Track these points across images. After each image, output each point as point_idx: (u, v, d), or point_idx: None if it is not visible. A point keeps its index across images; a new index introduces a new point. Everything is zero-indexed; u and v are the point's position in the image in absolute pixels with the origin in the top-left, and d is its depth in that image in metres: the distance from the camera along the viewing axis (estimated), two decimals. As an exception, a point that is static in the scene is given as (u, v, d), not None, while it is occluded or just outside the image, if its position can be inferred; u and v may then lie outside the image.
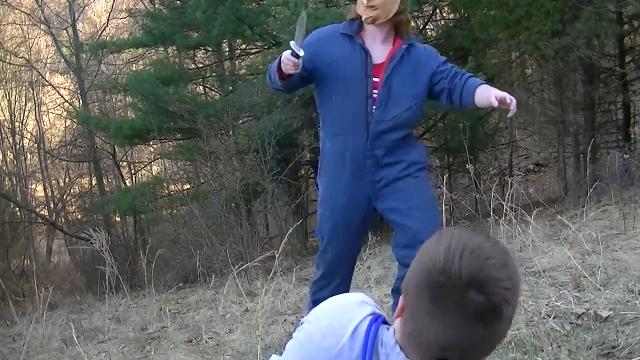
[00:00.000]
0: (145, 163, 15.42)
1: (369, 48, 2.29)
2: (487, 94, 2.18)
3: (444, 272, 0.91)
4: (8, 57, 15.56)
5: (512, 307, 0.92)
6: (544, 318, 2.27)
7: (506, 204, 3.54)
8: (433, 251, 0.94)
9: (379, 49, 2.30)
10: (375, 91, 2.27)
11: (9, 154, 16.07)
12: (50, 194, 17.03)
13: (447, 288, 0.90)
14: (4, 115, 16.39)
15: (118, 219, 11.48)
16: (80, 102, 14.47)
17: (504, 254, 0.93)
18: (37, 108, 17.13)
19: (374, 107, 2.27)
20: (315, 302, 2.44)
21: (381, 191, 2.34)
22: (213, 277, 5.03)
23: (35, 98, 17.11)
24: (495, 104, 2.11)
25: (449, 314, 0.91)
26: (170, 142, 9.95)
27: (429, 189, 2.47)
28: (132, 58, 13.79)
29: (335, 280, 2.52)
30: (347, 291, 2.56)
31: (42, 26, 15.18)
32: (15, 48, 16.20)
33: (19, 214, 13.62)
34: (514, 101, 2.14)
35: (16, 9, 14.98)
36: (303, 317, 3.17)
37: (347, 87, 2.30)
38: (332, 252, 2.45)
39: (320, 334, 1.05)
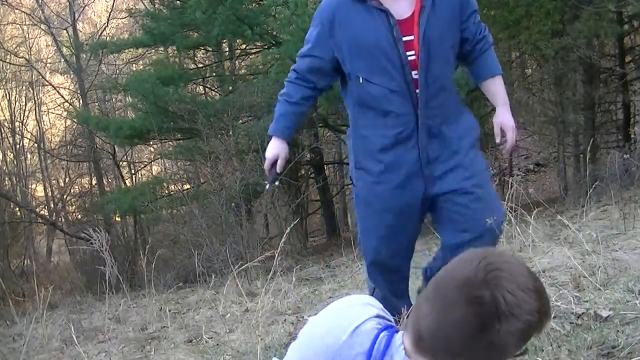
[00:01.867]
0: (145, 163, 15.43)
1: (388, 6, 1.94)
2: (495, 100, 2.09)
3: (469, 261, 0.92)
4: (8, 57, 15.56)
5: (507, 325, 0.87)
6: (544, 318, 2.26)
7: (506, 204, 3.53)
8: (464, 257, 0.96)
9: (402, 2, 1.95)
10: (411, 53, 1.95)
11: (9, 154, 16.07)
12: (50, 194, 17.03)
13: (466, 269, 0.91)
14: (4, 115, 16.40)
15: (118, 219, 11.47)
16: (80, 102, 14.47)
17: (530, 283, 0.91)
18: (37, 108, 17.13)
19: (415, 72, 1.96)
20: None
21: (440, 169, 2.04)
22: (213, 277, 5.03)
23: (35, 98, 17.11)
24: (498, 138, 2.07)
25: (451, 293, 0.91)
26: (170, 142, 9.95)
27: (484, 162, 2.20)
28: (132, 58, 13.78)
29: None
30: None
31: (42, 26, 15.18)
32: (15, 48, 16.20)
33: (19, 214, 13.62)
34: (513, 140, 2.07)
35: (16, 9, 14.98)
36: (304, 316, 3.16)
37: (375, 62, 1.98)
38: (383, 264, 2.19)
39: (320, 334, 1.05)
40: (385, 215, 2.09)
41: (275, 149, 2.16)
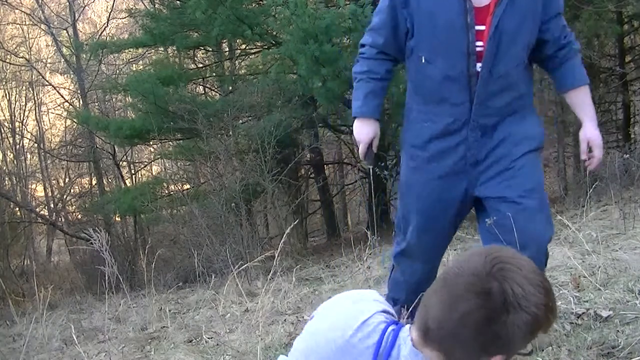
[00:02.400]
0: (145, 163, 15.43)
1: None
2: (581, 114, 1.93)
3: (479, 255, 0.94)
4: (8, 57, 15.55)
5: (514, 316, 0.89)
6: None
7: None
8: (476, 251, 0.99)
9: None
10: (480, 44, 1.83)
11: (9, 154, 16.06)
12: (50, 194, 17.03)
13: (475, 263, 0.93)
14: (4, 115, 16.40)
15: (118, 219, 11.46)
16: (80, 102, 14.46)
17: (542, 283, 0.93)
18: (37, 108, 17.13)
19: (479, 64, 1.85)
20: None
21: (486, 172, 1.93)
22: (213, 277, 5.03)
23: (35, 98, 17.11)
24: (583, 155, 1.94)
25: (459, 283, 0.92)
26: (170, 142, 9.95)
27: (542, 175, 2.05)
28: (132, 58, 13.78)
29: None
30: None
31: (42, 26, 15.18)
32: (15, 48, 16.19)
33: (19, 214, 13.61)
34: (600, 158, 1.91)
35: (16, 9, 14.97)
36: (304, 316, 3.15)
37: (441, 43, 1.87)
38: (415, 254, 2.08)
39: (328, 326, 1.06)
40: (421, 204, 2.01)
41: (371, 130, 2.08)
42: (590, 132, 1.94)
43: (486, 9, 1.81)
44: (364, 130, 2.09)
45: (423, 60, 1.92)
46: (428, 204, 1.99)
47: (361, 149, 2.10)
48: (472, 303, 0.89)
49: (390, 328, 1.01)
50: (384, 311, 1.07)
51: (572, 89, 1.97)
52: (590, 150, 1.95)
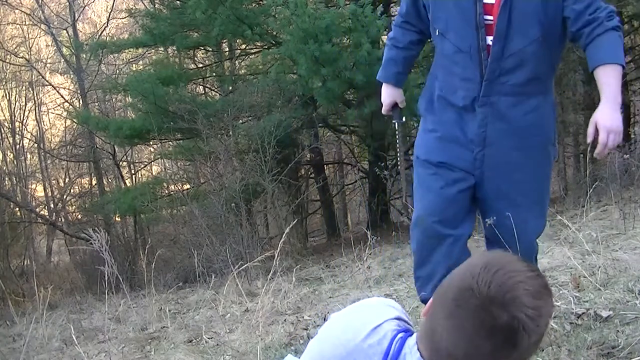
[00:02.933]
0: (145, 163, 15.42)
1: None
2: (600, 94, 1.75)
3: (475, 278, 0.91)
4: (8, 57, 15.55)
5: (530, 341, 0.90)
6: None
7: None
8: (474, 261, 0.96)
9: None
10: (489, 18, 1.81)
11: (9, 154, 16.06)
12: (50, 194, 17.03)
13: (473, 293, 0.90)
14: (4, 115, 16.39)
15: (118, 219, 11.46)
16: (80, 102, 14.46)
17: (541, 287, 0.93)
18: (37, 108, 17.13)
19: (489, 38, 1.81)
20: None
21: (490, 157, 1.88)
22: (213, 277, 5.03)
23: (35, 98, 17.10)
24: (589, 138, 1.75)
25: (466, 320, 0.91)
26: (170, 142, 9.95)
27: (549, 176, 1.99)
28: (132, 58, 13.78)
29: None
30: None
31: (42, 26, 15.18)
32: (15, 48, 16.19)
33: (19, 214, 13.60)
34: (604, 142, 1.70)
35: (16, 9, 14.97)
36: (304, 316, 3.15)
37: (451, 15, 1.87)
38: (426, 221, 1.97)
39: (340, 329, 1.06)
40: (428, 165, 1.99)
41: (390, 96, 2.14)
42: (599, 113, 1.74)
43: None
44: (385, 96, 2.17)
45: (437, 33, 1.94)
46: (434, 163, 1.97)
47: (384, 110, 2.20)
48: (491, 343, 0.89)
49: (399, 336, 1.01)
50: (398, 318, 1.08)
51: (595, 69, 1.77)
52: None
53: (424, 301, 1.98)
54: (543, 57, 1.84)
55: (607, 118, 1.71)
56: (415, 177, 2.06)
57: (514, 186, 1.90)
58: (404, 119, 2.26)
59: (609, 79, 1.74)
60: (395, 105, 2.18)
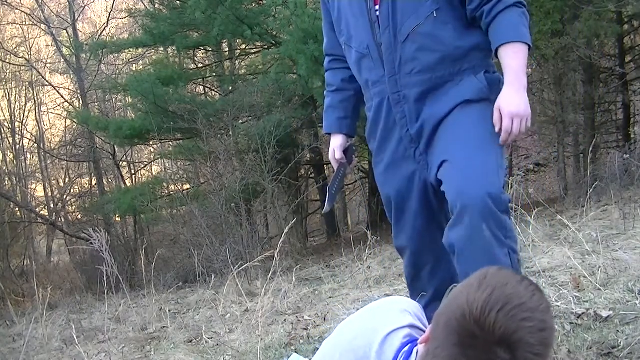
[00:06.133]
0: (145, 163, 15.43)
1: None
2: (503, 72, 1.57)
3: (478, 322, 0.88)
4: (8, 57, 15.55)
5: None
6: (544, 318, 2.26)
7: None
8: (473, 295, 0.91)
9: None
10: (377, 8, 1.65)
11: (9, 154, 16.06)
12: (50, 194, 17.03)
13: (477, 339, 0.88)
14: (4, 115, 16.40)
15: (118, 219, 11.47)
16: (80, 102, 14.46)
17: (544, 314, 0.91)
18: (37, 108, 17.13)
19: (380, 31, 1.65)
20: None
21: (426, 150, 1.68)
22: (213, 277, 5.03)
23: (35, 98, 17.11)
24: (496, 126, 1.57)
25: (471, 354, 0.89)
26: (170, 142, 9.96)
27: (480, 123, 1.61)
28: (132, 58, 13.78)
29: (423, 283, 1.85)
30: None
31: (42, 26, 15.18)
32: (15, 48, 16.20)
33: (19, 214, 13.61)
34: (508, 129, 1.53)
35: (16, 9, 14.98)
36: (304, 316, 3.15)
37: (350, 22, 1.73)
38: (406, 252, 1.84)
39: (354, 333, 1.06)
40: (387, 201, 1.83)
41: (331, 146, 1.90)
42: (502, 98, 1.55)
43: None
44: (330, 148, 1.92)
45: (344, 46, 1.78)
46: (391, 200, 1.81)
47: (334, 165, 1.92)
48: None
49: (405, 349, 1.01)
50: (411, 326, 1.06)
51: (496, 51, 1.58)
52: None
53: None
54: (446, 33, 1.62)
55: (509, 102, 1.54)
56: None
57: (452, 136, 1.64)
58: (352, 165, 1.96)
59: (509, 60, 1.56)
60: (347, 151, 1.91)
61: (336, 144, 1.90)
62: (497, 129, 1.56)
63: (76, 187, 16.74)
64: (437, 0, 1.61)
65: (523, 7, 1.60)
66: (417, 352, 1.00)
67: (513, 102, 1.54)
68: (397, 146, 1.74)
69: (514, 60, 1.56)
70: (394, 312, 1.09)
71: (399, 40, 1.63)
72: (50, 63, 17.01)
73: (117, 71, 14.29)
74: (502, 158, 1.62)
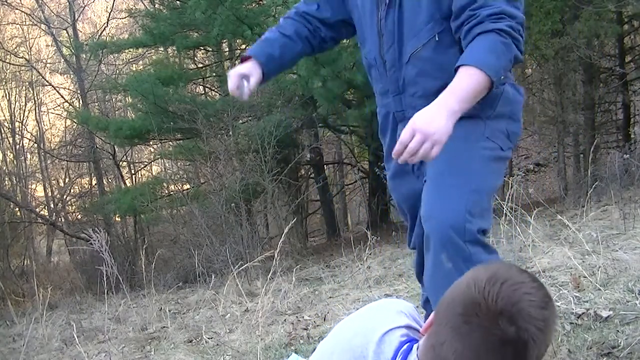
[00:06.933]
0: (145, 163, 15.43)
1: None
2: (446, 89, 1.36)
3: (482, 292, 0.90)
4: (8, 57, 15.56)
5: (540, 352, 0.90)
6: (544, 318, 2.26)
7: (506, 204, 3.53)
8: (477, 274, 0.94)
9: None
10: (384, 18, 1.57)
11: (9, 154, 16.06)
12: (50, 194, 17.03)
13: (480, 308, 0.89)
14: (4, 115, 16.40)
15: (118, 219, 11.47)
16: (80, 102, 14.47)
17: (545, 297, 0.93)
18: (37, 108, 17.13)
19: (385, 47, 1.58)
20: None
21: (420, 166, 1.59)
22: (213, 277, 5.03)
23: (35, 98, 17.11)
24: (404, 138, 1.32)
25: (474, 333, 0.90)
26: (170, 142, 9.96)
27: (458, 141, 1.41)
28: (132, 58, 13.79)
29: None
30: None
31: (42, 26, 15.19)
32: (15, 48, 16.20)
33: (19, 214, 13.61)
34: (404, 141, 1.29)
35: (16, 9, 14.98)
36: (304, 316, 3.15)
37: (361, 27, 1.66)
38: (415, 250, 1.78)
39: (351, 333, 1.07)
40: (397, 204, 1.80)
41: (238, 69, 1.66)
42: (420, 111, 1.32)
43: None
44: (234, 70, 1.68)
45: (359, 45, 1.71)
46: (400, 206, 1.78)
47: (230, 85, 1.66)
48: (502, 355, 0.89)
49: (403, 348, 1.01)
50: (407, 326, 1.07)
51: (457, 70, 1.38)
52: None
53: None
54: (448, 58, 1.49)
55: (423, 117, 1.31)
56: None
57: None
58: (246, 91, 1.68)
59: (456, 79, 1.36)
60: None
61: (244, 70, 1.65)
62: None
63: (76, 187, 16.75)
64: (441, 22, 1.50)
65: (506, 37, 1.39)
66: (417, 348, 1.00)
67: (424, 118, 1.31)
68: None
69: (460, 81, 1.35)
70: (391, 312, 1.09)
71: (403, 62, 1.56)
72: (50, 63, 17.02)
73: (117, 71, 14.29)
74: (482, 180, 1.48)
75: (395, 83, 1.59)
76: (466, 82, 1.34)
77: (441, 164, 1.44)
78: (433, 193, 1.46)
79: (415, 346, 1.01)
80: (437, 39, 1.50)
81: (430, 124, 1.29)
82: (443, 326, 0.94)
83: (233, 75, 1.63)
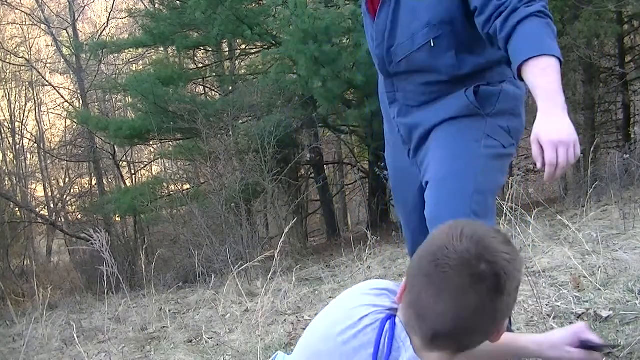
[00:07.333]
0: (145, 163, 15.43)
1: None
2: (534, 95, 1.30)
3: (447, 237, 0.95)
4: (8, 57, 15.56)
5: (511, 284, 0.93)
6: (544, 318, 2.26)
7: (506, 204, 3.54)
8: (438, 230, 0.99)
9: None
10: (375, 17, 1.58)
11: (9, 154, 16.07)
12: (50, 194, 17.03)
13: (448, 250, 0.93)
14: (4, 115, 16.40)
15: (118, 219, 11.47)
16: (80, 102, 14.47)
17: (505, 237, 0.98)
18: (37, 108, 17.13)
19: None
20: None
21: (415, 154, 1.62)
22: (213, 277, 5.03)
23: (35, 98, 17.11)
24: (538, 162, 1.27)
25: (447, 275, 0.92)
26: (170, 142, 9.96)
27: (458, 143, 1.48)
28: (132, 58, 13.79)
29: None
30: None
31: (42, 26, 15.19)
32: (15, 48, 16.20)
33: (19, 214, 13.61)
34: (552, 159, 1.23)
35: (16, 9, 14.98)
36: (304, 316, 3.15)
37: (366, 25, 1.67)
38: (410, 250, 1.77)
39: (330, 322, 1.07)
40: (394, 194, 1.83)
41: None
42: (537, 126, 1.27)
43: None
44: None
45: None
46: (394, 185, 1.81)
47: None
48: (477, 294, 0.91)
49: (386, 328, 1.01)
50: (378, 305, 1.06)
51: (520, 70, 1.31)
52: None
53: None
54: (443, 62, 1.50)
55: (547, 129, 1.26)
56: None
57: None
58: None
59: (536, 78, 1.29)
60: None
61: None
62: (539, 165, 1.27)
63: (76, 187, 16.75)
64: (439, 27, 1.46)
65: (546, 18, 1.34)
66: (399, 321, 1.01)
67: (552, 129, 1.25)
68: (396, 144, 1.71)
69: (542, 77, 1.28)
70: (371, 294, 1.09)
71: (393, 60, 1.56)
72: (50, 63, 17.02)
73: (117, 71, 14.29)
74: (485, 179, 1.47)
75: (386, 71, 1.61)
76: (550, 73, 1.29)
77: (443, 165, 1.46)
78: (437, 196, 1.46)
79: (397, 319, 1.01)
80: (432, 44, 1.48)
81: (560, 131, 1.25)
82: (416, 278, 0.97)
83: None
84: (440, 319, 0.93)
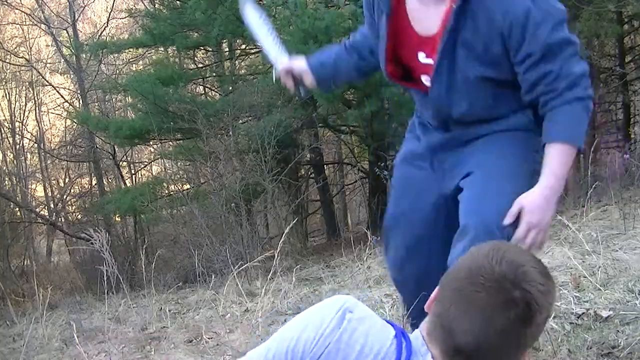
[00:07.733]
0: (145, 163, 15.42)
1: (414, 13, 1.56)
2: (545, 168, 1.48)
3: (486, 257, 0.95)
4: (8, 57, 15.54)
5: (541, 315, 0.93)
6: (544, 318, 2.27)
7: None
8: (480, 248, 1.00)
9: (430, 12, 1.53)
10: (426, 77, 1.61)
11: (9, 154, 16.05)
12: (50, 194, 17.02)
13: (485, 270, 0.93)
14: (4, 115, 16.38)
15: (118, 219, 11.47)
16: (80, 102, 14.46)
17: (545, 268, 0.98)
18: (37, 108, 17.11)
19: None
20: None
21: (445, 160, 1.69)
22: (213, 277, 5.03)
23: (35, 98, 17.09)
24: (507, 219, 1.45)
25: (479, 294, 0.93)
26: (170, 142, 9.95)
27: (511, 154, 1.58)
28: (132, 58, 13.77)
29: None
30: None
31: (42, 26, 15.17)
32: (15, 48, 16.18)
33: (19, 214, 13.60)
34: (522, 233, 1.43)
35: (16, 9, 14.97)
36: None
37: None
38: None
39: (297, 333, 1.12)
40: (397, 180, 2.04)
41: (294, 63, 1.90)
42: (528, 196, 1.45)
43: (433, 38, 1.55)
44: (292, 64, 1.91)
45: None
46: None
47: (283, 77, 1.92)
48: (506, 319, 0.92)
49: (403, 346, 1.00)
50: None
51: (546, 145, 1.51)
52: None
53: None
54: (497, 107, 1.62)
55: (534, 209, 1.43)
56: None
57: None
58: (302, 92, 1.96)
59: (552, 160, 1.48)
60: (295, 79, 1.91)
61: (295, 65, 1.90)
62: (506, 221, 1.45)
63: (76, 187, 16.73)
64: (497, 86, 1.57)
65: (586, 100, 1.58)
66: (419, 331, 1.01)
67: (538, 212, 1.44)
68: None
69: (555, 159, 1.48)
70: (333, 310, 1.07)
71: (451, 116, 1.65)
72: (50, 63, 17.01)
73: (117, 71, 14.27)
74: (521, 188, 1.54)
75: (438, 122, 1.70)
76: (561, 161, 1.48)
77: (493, 170, 1.56)
78: (482, 194, 1.53)
79: (414, 332, 1.01)
80: (491, 101, 1.58)
81: (543, 218, 1.44)
82: (449, 291, 0.97)
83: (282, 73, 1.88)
84: (465, 337, 0.93)
